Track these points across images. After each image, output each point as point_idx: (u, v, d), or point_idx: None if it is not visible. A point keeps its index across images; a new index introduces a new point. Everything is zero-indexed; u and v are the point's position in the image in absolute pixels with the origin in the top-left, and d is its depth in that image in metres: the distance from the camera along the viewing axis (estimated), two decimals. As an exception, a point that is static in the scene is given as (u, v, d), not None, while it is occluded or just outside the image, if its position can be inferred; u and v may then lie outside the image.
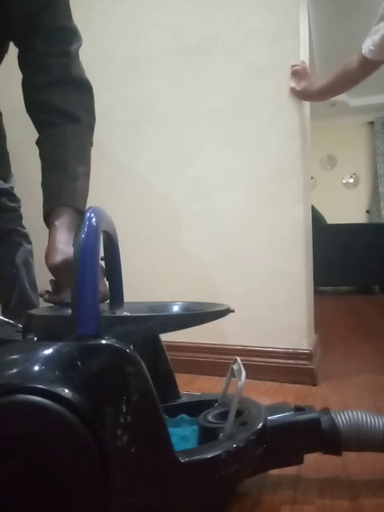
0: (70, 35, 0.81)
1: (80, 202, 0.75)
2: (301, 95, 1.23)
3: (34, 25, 0.78)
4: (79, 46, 0.83)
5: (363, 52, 1.05)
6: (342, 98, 4.83)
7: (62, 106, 0.79)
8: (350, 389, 1.12)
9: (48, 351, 0.47)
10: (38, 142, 0.82)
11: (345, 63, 1.13)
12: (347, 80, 1.15)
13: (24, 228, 1.06)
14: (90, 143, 0.83)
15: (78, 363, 0.46)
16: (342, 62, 1.14)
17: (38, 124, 0.81)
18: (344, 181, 5.54)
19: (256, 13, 1.26)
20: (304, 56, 1.31)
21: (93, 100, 0.84)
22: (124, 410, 0.46)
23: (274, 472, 0.65)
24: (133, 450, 0.46)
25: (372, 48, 1.03)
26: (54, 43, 0.79)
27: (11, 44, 0.88)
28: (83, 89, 0.83)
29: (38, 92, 0.80)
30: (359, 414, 0.60)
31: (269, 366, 1.22)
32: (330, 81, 1.18)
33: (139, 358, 0.48)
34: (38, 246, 1.04)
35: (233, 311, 0.59)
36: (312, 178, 5.30)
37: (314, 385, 1.17)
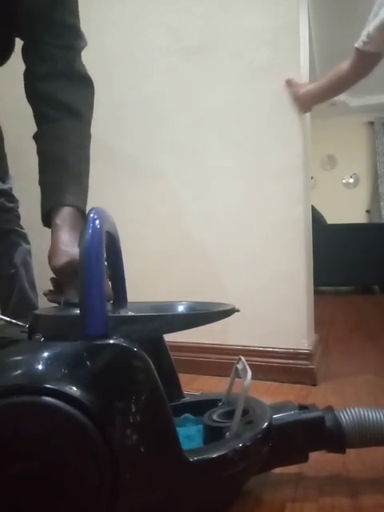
0: (76, 34, 0.83)
1: (81, 200, 0.75)
2: (302, 100, 1.22)
3: (43, 19, 0.78)
4: (84, 47, 0.84)
5: (357, 45, 1.04)
6: (342, 97, 4.83)
7: (63, 99, 0.78)
8: (349, 389, 1.12)
9: (56, 351, 0.47)
10: (35, 137, 0.80)
11: (337, 67, 1.13)
12: (341, 80, 1.13)
13: (22, 228, 1.06)
14: (89, 139, 0.83)
15: (87, 363, 0.46)
16: (342, 62, 1.13)
17: (37, 116, 0.80)
18: (344, 181, 5.54)
19: (256, 13, 1.27)
20: (304, 56, 1.31)
21: (93, 96, 0.84)
22: (133, 410, 0.46)
23: (276, 470, 0.65)
24: (142, 450, 0.46)
25: (366, 40, 1.02)
26: (60, 37, 0.79)
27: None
28: (86, 84, 0.83)
29: (40, 81, 0.79)
30: (362, 411, 0.61)
31: (269, 365, 1.22)
32: (324, 83, 1.17)
33: (147, 358, 0.48)
34: (36, 245, 1.04)
35: (238, 311, 0.59)
36: (312, 178, 5.30)
37: (314, 385, 1.17)
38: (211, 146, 1.33)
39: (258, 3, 1.26)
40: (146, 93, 1.41)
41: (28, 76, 0.82)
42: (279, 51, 1.24)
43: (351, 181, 5.52)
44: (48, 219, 0.73)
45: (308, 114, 1.42)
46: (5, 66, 0.92)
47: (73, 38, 0.82)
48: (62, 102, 0.78)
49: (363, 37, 1.03)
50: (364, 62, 1.07)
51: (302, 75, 1.26)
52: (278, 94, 1.24)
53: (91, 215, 0.51)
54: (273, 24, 1.25)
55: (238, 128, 1.30)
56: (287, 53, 1.24)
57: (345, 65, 1.10)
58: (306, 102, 1.24)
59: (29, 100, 0.82)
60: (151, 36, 1.40)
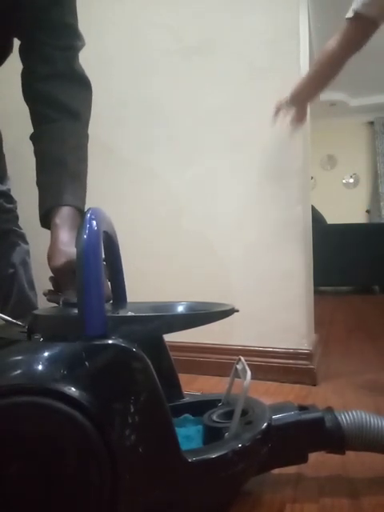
0: (75, 34, 0.83)
1: (80, 201, 0.75)
2: (292, 97, 1.14)
3: (43, 19, 0.78)
4: (82, 46, 0.84)
5: (354, 8, 0.95)
6: (341, 97, 4.84)
7: (62, 99, 0.78)
8: (350, 389, 1.12)
9: (55, 351, 0.47)
10: (33, 138, 0.80)
11: (321, 50, 1.04)
12: (330, 60, 1.03)
13: (20, 228, 1.06)
14: (87, 140, 0.82)
15: (86, 363, 0.46)
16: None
17: (36, 116, 0.80)
18: (344, 181, 5.54)
19: (256, 13, 1.27)
20: (304, 56, 1.31)
21: (91, 97, 0.85)
22: (132, 410, 0.46)
23: (275, 471, 0.65)
24: (141, 450, 0.46)
25: (366, 2, 0.92)
26: (60, 37, 0.79)
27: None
28: (85, 85, 0.83)
29: (39, 82, 0.79)
30: (362, 415, 0.61)
31: (269, 365, 1.22)
32: (310, 71, 1.09)
33: (146, 358, 0.48)
34: (35, 246, 1.04)
35: (237, 311, 0.59)
36: (312, 178, 5.30)
37: (314, 385, 1.17)
38: (211, 146, 1.33)
39: (257, 3, 1.27)
40: (146, 93, 1.41)
41: (27, 76, 0.81)
42: (279, 51, 1.24)
43: (351, 181, 5.52)
44: (46, 220, 0.73)
45: (308, 115, 1.42)
46: (5, 66, 0.92)
47: (72, 39, 0.81)
48: (62, 103, 0.78)
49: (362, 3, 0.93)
50: (358, 32, 0.97)
51: (302, 75, 1.26)
52: (277, 94, 1.24)
53: (88, 215, 0.51)
54: (273, 24, 1.25)
55: (237, 128, 1.30)
56: (287, 53, 1.24)
57: (331, 43, 1.01)
58: (296, 99, 1.14)
59: (27, 101, 0.81)
60: (151, 36, 1.40)
